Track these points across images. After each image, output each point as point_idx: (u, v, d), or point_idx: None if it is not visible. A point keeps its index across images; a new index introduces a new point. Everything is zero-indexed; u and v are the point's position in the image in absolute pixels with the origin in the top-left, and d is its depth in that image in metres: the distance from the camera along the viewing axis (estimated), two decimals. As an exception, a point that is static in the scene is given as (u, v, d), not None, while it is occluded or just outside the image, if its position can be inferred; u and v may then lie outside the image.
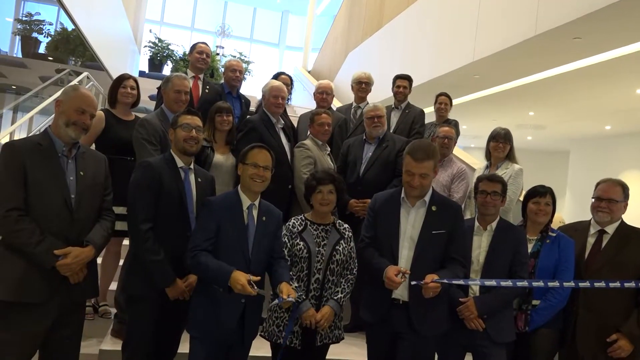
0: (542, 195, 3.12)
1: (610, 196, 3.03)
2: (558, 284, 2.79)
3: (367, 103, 4.73)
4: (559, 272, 3.02)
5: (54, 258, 2.34)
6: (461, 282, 2.61)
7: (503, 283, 2.66)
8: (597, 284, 2.72)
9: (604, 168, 11.58)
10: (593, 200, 3.12)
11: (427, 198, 2.69)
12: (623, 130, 10.70)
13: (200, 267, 2.43)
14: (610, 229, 3.05)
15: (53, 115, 2.57)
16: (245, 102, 4.71)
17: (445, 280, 2.51)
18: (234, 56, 12.22)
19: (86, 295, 2.63)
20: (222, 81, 4.73)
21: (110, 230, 2.62)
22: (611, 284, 2.67)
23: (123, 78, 3.79)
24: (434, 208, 2.67)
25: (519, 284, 2.71)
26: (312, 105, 4.88)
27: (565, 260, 3.03)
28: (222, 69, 4.75)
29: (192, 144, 2.71)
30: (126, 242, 3.84)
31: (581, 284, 2.78)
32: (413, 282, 2.52)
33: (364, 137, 4.11)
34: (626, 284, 2.63)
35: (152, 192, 2.59)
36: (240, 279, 2.34)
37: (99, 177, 2.59)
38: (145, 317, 2.63)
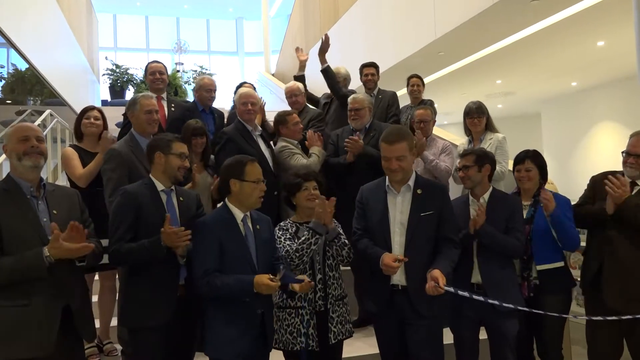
0: (520, 161, 3.16)
1: (637, 151, 2.95)
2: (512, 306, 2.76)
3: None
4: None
5: (44, 259, 2.21)
6: (466, 294, 2.57)
7: (491, 301, 2.67)
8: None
9: (576, 124, 11.77)
10: (623, 154, 3.03)
11: (411, 182, 2.72)
12: (589, 84, 10.87)
13: (220, 288, 2.40)
14: None
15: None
16: (218, 115, 4.63)
17: (451, 289, 2.50)
18: (210, 73, 12.21)
19: (85, 337, 2.55)
20: (194, 99, 4.60)
21: (101, 248, 2.52)
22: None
23: (86, 110, 3.70)
24: (419, 191, 2.69)
25: (505, 305, 2.67)
26: (281, 107, 4.83)
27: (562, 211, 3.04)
28: (186, 85, 4.68)
29: (183, 172, 2.71)
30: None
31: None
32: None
33: (352, 127, 4.10)
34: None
35: (131, 217, 2.52)
36: (263, 280, 2.36)
37: (75, 213, 2.49)
38: (151, 348, 2.54)
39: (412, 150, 2.69)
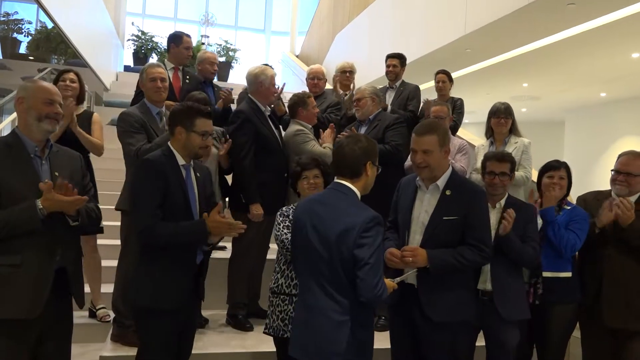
0: (556, 169, 3.11)
1: (628, 170, 2.96)
2: None
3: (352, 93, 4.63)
4: (572, 226, 2.96)
5: (38, 211, 2.15)
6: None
7: None
8: None
9: (600, 136, 11.51)
10: (612, 172, 3.03)
11: (440, 182, 2.54)
12: (619, 96, 10.59)
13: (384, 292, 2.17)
14: (632, 200, 2.95)
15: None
16: (218, 89, 4.67)
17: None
18: (235, 49, 12.59)
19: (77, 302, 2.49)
20: (196, 72, 4.71)
21: (98, 211, 2.46)
22: None
23: (62, 72, 3.71)
24: (448, 192, 2.53)
25: None
26: (302, 90, 4.77)
27: (577, 221, 2.97)
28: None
29: (204, 151, 2.65)
30: (101, 242, 3.81)
31: None
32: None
33: (358, 120, 4.07)
34: None
35: (160, 191, 2.37)
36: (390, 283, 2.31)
37: (76, 176, 2.42)
38: (164, 331, 2.40)
39: (444, 146, 2.52)
